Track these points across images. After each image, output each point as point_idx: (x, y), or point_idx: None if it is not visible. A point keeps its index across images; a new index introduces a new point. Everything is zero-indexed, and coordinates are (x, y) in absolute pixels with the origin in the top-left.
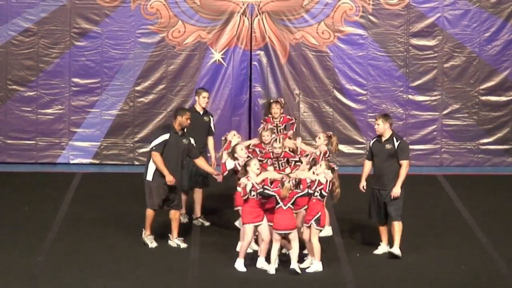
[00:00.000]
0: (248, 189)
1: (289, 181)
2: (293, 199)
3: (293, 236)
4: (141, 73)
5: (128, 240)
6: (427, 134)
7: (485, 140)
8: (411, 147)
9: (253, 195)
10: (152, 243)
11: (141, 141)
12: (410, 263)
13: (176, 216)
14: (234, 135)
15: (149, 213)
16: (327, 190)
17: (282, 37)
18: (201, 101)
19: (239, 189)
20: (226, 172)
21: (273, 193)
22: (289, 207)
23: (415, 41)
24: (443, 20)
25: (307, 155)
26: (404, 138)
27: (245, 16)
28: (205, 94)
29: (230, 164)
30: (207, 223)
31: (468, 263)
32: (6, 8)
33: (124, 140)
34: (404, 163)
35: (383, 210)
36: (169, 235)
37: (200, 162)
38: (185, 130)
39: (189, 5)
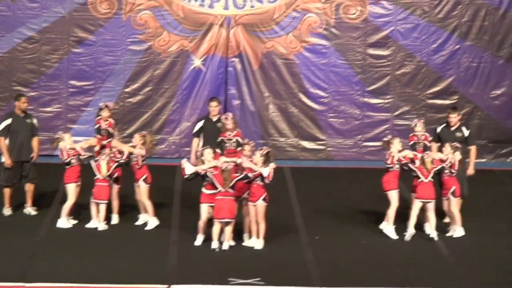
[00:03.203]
0: (187, 172)
1: (428, 157)
2: (432, 173)
3: (431, 206)
4: (130, 77)
5: (120, 224)
6: (380, 133)
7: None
8: (366, 144)
9: (208, 180)
10: (7, 212)
11: (129, 136)
12: (363, 245)
13: (30, 188)
14: (68, 137)
15: (6, 190)
16: (456, 168)
17: (255, 46)
18: (210, 110)
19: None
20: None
21: (415, 169)
22: (430, 180)
23: (371, 51)
24: (396, 32)
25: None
26: (360, 136)
27: (223, 27)
28: (212, 103)
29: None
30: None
31: (417, 245)
32: (12, 18)
33: None
34: (473, 148)
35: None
36: (24, 204)
37: (34, 142)
38: (27, 112)
39: (173, 17)
